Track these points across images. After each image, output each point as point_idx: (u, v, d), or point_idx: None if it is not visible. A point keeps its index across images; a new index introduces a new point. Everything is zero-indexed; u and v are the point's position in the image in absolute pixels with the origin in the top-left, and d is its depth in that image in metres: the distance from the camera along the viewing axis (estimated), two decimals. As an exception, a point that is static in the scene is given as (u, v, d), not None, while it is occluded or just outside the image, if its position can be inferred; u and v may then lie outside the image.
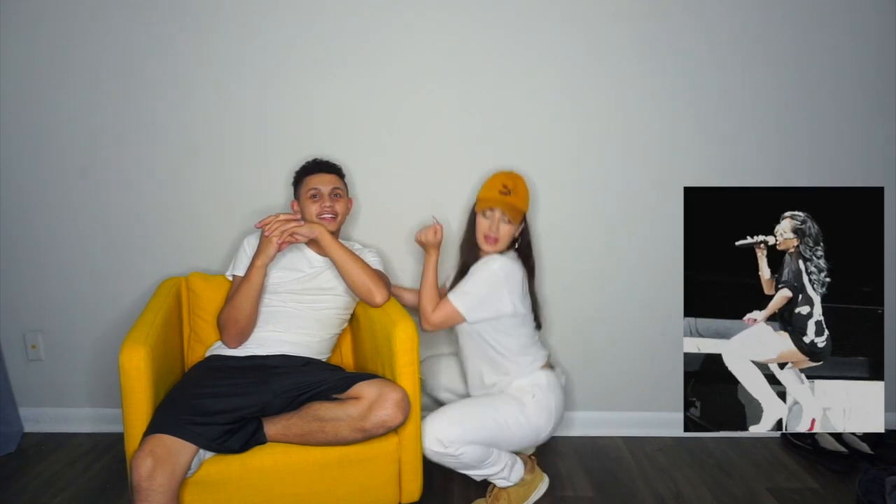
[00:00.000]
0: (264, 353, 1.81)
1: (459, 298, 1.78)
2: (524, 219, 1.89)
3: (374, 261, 1.98)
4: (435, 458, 1.72)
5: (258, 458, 1.61)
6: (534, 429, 1.79)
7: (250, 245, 1.92)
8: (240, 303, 1.78)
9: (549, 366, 1.93)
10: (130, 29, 2.07)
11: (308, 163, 1.98)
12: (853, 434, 2.18)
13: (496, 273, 1.78)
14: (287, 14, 2.07)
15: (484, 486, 1.95)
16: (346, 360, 2.11)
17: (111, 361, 2.23)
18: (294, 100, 2.12)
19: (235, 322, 1.79)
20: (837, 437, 2.18)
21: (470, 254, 1.90)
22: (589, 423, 2.33)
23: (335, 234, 1.92)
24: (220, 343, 1.87)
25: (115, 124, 2.13)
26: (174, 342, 1.93)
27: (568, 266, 2.22)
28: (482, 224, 1.84)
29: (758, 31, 2.08)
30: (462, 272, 1.88)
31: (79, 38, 2.07)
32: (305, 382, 1.68)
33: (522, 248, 1.90)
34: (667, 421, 2.32)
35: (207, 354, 1.88)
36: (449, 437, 1.68)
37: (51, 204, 2.18)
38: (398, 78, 2.11)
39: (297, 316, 1.86)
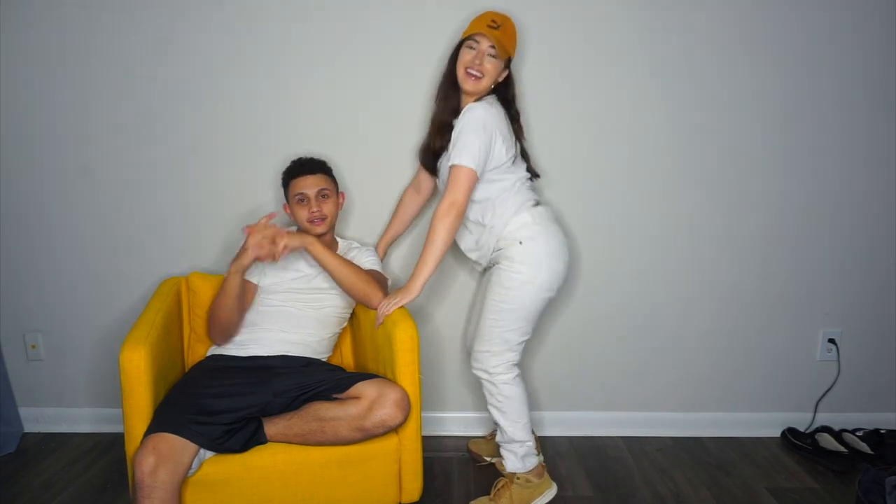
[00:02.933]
0: (265, 354, 1.81)
1: (464, 156, 1.66)
2: (508, 66, 1.78)
3: (370, 260, 1.96)
4: (485, 386, 1.85)
5: (259, 458, 1.61)
6: (540, 284, 1.76)
7: None
8: (219, 303, 1.78)
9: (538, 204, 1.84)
10: (126, 29, 2.06)
11: (292, 164, 1.93)
12: (853, 434, 2.18)
13: (482, 118, 1.67)
14: (283, 12, 2.07)
15: (485, 485, 1.96)
16: (346, 360, 2.11)
17: (111, 361, 2.25)
18: (289, 98, 2.11)
19: (217, 320, 1.79)
20: (837, 437, 2.18)
21: (444, 102, 1.79)
22: (589, 423, 2.33)
23: (328, 233, 1.92)
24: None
25: (116, 124, 2.13)
26: (174, 342, 1.93)
27: (574, 268, 2.22)
28: (465, 56, 1.72)
29: (765, 32, 2.07)
30: (436, 129, 1.81)
31: (74, 38, 2.07)
32: (306, 383, 1.68)
33: (504, 95, 1.79)
34: (667, 421, 2.32)
35: (208, 354, 1.88)
36: (488, 363, 1.81)
37: (51, 204, 2.18)
38: (397, 76, 2.10)
39: (297, 315, 1.86)
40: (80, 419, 2.32)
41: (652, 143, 2.15)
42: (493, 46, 1.71)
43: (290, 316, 1.86)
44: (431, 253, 1.70)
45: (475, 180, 1.69)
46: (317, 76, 2.10)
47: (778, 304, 2.26)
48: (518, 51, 1.91)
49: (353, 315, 2.05)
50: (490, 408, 1.87)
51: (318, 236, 1.85)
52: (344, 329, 2.05)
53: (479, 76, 1.72)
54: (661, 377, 2.31)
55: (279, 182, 1.98)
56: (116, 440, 2.23)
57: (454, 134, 1.72)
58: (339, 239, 2.04)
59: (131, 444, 1.57)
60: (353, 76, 2.10)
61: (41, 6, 2.04)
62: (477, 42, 1.72)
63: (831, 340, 2.27)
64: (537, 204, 1.84)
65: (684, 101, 2.12)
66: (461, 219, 1.72)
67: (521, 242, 1.75)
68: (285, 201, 1.94)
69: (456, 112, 1.77)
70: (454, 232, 1.72)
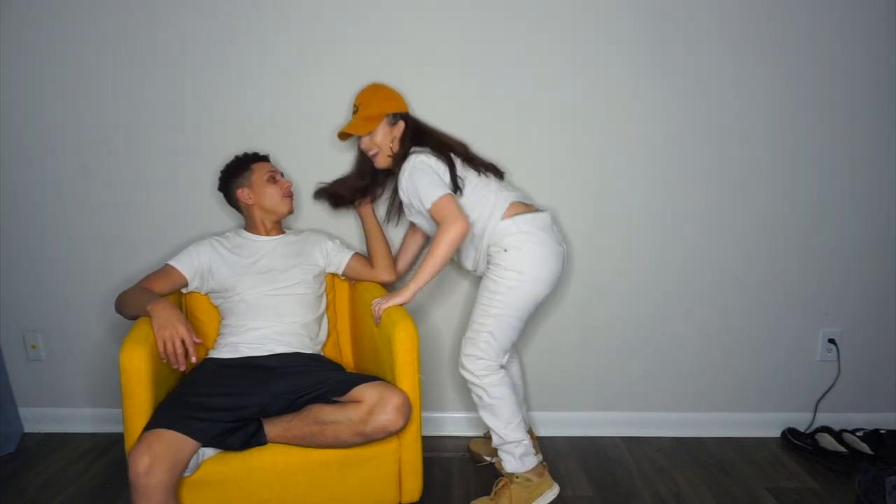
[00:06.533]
0: (262, 355, 1.81)
1: (429, 195, 1.75)
2: (401, 117, 1.88)
3: (345, 253, 2.03)
4: (473, 391, 1.87)
5: (259, 459, 1.61)
6: (526, 290, 1.80)
7: (201, 250, 1.91)
8: (127, 305, 1.77)
9: (526, 208, 1.87)
10: (118, 27, 2.07)
11: (245, 154, 2.01)
12: (853, 434, 2.18)
13: (416, 165, 1.78)
14: (276, 13, 2.07)
15: (485, 485, 1.95)
16: (347, 359, 2.11)
17: (111, 361, 2.26)
18: (286, 99, 2.11)
19: (123, 310, 1.79)
20: (837, 437, 2.18)
21: (359, 170, 1.99)
22: (589, 423, 2.33)
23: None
24: (218, 345, 1.87)
25: (115, 124, 2.13)
26: (174, 342, 1.92)
27: (574, 268, 2.23)
28: (360, 145, 1.92)
29: (774, 32, 2.07)
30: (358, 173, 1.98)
31: (70, 36, 2.07)
32: (305, 384, 1.68)
33: (415, 140, 1.87)
34: (667, 421, 2.33)
35: (206, 357, 1.88)
36: (476, 366, 1.83)
37: (51, 204, 2.18)
38: (399, 75, 2.11)
39: (273, 305, 1.86)
40: (80, 419, 2.32)
41: (656, 144, 2.15)
42: (357, 133, 1.87)
43: (267, 306, 1.85)
44: (431, 265, 1.75)
45: (455, 200, 1.76)
46: (316, 78, 2.10)
47: (778, 304, 2.26)
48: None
49: (353, 315, 2.05)
50: (481, 412, 1.88)
51: (288, 213, 1.98)
52: (344, 329, 2.04)
53: (375, 153, 1.89)
54: (661, 377, 2.31)
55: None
56: (116, 440, 2.23)
57: (406, 195, 1.83)
58: (287, 229, 2.06)
59: (131, 445, 1.56)
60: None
61: (37, 5, 2.04)
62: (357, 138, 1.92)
63: (831, 340, 2.27)
64: (527, 211, 1.85)
65: (688, 101, 2.12)
66: (464, 236, 1.76)
67: (505, 250, 1.80)
68: (240, 188, 1.95)
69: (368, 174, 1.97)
70: (455, 248, 1.76)
